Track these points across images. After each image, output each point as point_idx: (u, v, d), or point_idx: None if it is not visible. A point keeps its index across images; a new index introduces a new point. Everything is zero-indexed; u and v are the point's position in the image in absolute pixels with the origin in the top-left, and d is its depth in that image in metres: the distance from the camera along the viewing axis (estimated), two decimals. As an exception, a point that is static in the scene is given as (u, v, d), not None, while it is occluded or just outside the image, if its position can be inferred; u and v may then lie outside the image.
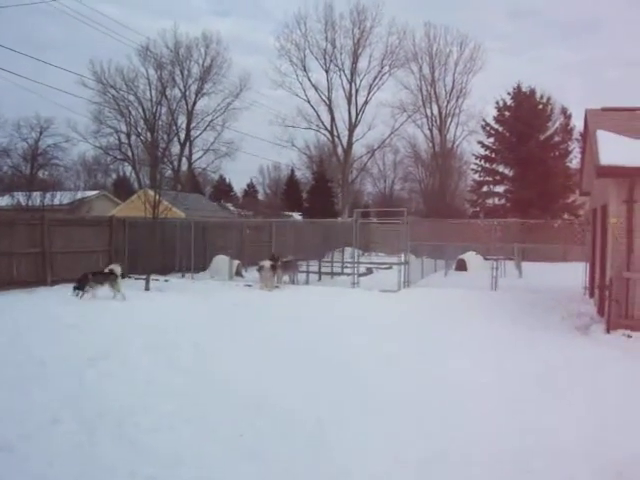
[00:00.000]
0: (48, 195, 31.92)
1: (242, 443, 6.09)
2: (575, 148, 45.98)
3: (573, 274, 19.36)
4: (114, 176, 69.41)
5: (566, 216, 43.06)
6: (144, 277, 18.83)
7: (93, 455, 5.74)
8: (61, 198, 33.31)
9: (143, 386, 7.94)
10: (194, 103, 59.76)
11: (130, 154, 59.76)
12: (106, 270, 16.67)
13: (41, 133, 43.97)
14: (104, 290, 16.07)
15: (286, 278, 21.06)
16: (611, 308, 11.88)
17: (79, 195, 38.14)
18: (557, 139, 47.25)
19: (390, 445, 6.06)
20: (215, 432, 6.36)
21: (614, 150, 11.73)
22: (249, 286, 19.92)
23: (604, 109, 14.85)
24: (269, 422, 6.63)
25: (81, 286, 16.01)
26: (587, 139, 15.07)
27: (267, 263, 19.45)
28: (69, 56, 78.12)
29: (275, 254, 20.85)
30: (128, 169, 65.52)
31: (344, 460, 5.71)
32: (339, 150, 59.09)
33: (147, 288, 18.29)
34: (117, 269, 16.59)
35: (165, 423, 6.57)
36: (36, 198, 31.54)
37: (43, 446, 5.90)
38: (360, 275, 21.37)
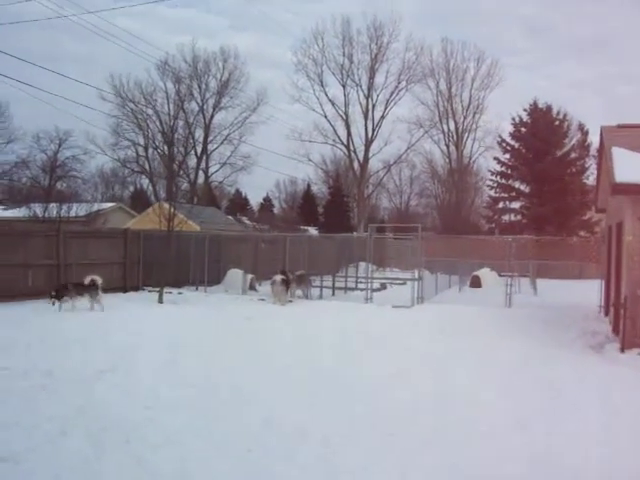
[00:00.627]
0: (64, 207, 32.10)
1: (250, 459, 6.04)
2: (592, 165, 45.64)
3: (588, 292, 19.19)
4: (131, 189, 69.82)
5: (582, 233, 42.79)
6: (158, 290, 18.86)
7: (98, 471, 5.70)
8: (77, 210, 33.48)
9: (151, 400, 7.91)
10: (211, 117, 60.02)
11: (147, 167, 60.05)
12: (86, 281, 16.63)
13: (60, 145, 44.21)
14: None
15: (299, 292, 21.04)
16: (626, 327, 11.75)
17: (95, 207, 38.33)
18: (574, 155, 47.05)
19: (398, 464, 5.99)
20: (223, 448, 6.31)
21: (629, 167, 11.64)
22: (262, 300, 19.90)
23: (620, 126, 14.75)
24: (277, 438, 6.58)
25: (58, 295, 16.02)
26: (602, 156, 14.97)
27: (279, 277, 19.44)
28: (89, 70, 78.86)
29: (285, 269, 20.83)
30: (145, 182, 65.90)
31: (351, 478, 5.66)
32: (355, 165, 59.02)
33: (160, 301, 18.32)
34: (98, 280, 16.59)
35: (173, 438, 6.54)
36: (52, 210, 31.73)
37: (49, 459, 5.88)
38: (374, 290, 21.33)
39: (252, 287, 23.06)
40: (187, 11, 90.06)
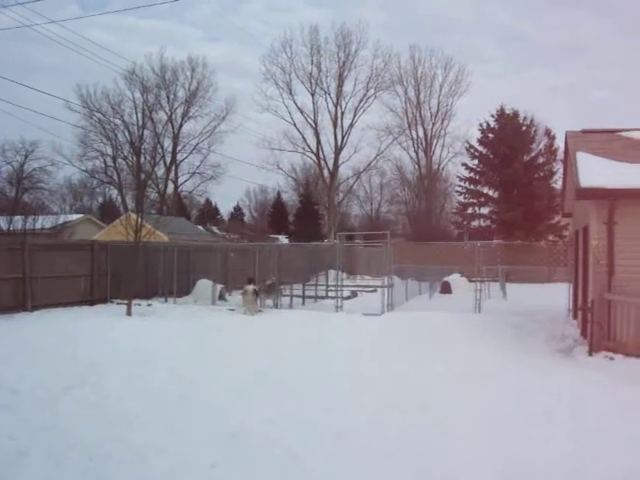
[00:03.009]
0: (30, 219, 31.69)
1: (215, 475, 5.94)
2: (559, 169, 46.05)
3: (557, 295, 19.32)
4: (100, 199, 69.22)
5: (551, 237, 43.20)
6: (126, 302, 18.63)
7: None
8: (43, 222, 33.08)
9: (117, 415, 7.78)
10: (180, 126, 59.84)
11: (116, 177, 59.58)
12: None
13: (26, 157, 43.63)
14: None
15: (269, 302, 20.93)
16: (593, 330, 11.83)
17: (61, 219, 37.87)
18: (541, 160, 47.51)
19: (365, 475, 5.93)
20: (189, 463, 6.21)
21: (594, 172, 11.75)
22: (232, 310, 19.72)
23: (584, 131, 14.89)
24: (244, 452, 6.49)
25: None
26: (567, 161, 15.12)
27: (250, 287, 19.32)
28: (56, 81, 78.28)
29: (253, 277, 20.71)
30: (114, 192, 65.39)
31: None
32: (325, 173, 59.17)
33: (129, 313, 18.07)
34: None
35: (138, 455, 6.41)
36: (18, 222, 31.30)
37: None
38: (344, 298, 21.24)
39: (222, 297, 22.89)
40: (160, 23, 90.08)
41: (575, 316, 16.87)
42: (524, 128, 47.35)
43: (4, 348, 12.10)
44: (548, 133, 49.73)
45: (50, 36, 54.87)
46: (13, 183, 43.06)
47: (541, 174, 46.85)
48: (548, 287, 26.27)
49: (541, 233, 43.38)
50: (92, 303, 20.91)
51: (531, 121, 47.83)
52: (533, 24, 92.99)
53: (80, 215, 47.35)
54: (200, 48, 79.60)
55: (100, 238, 30.16)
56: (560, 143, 46.41)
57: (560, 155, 45.85)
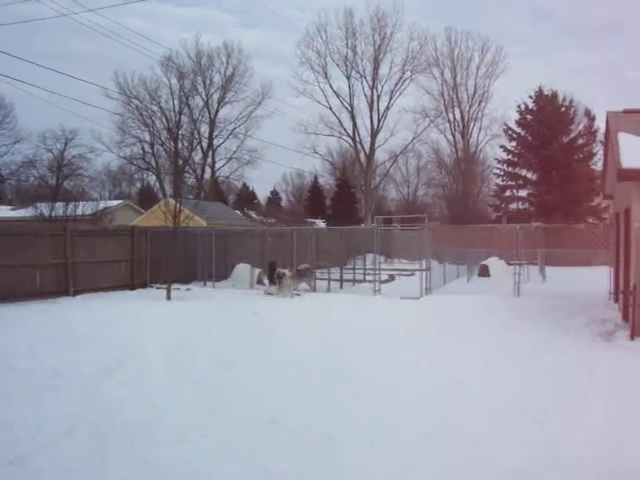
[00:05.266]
0: (71, 206, 32.18)
1: (256, 458, 6.00)
2: (599, 150, 45.38)
3: (598, 279, 19.09)
4: (138, 185, 69.95)
5: (591, 220, 42.58)
6: (165, 286, 18.85)
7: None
8: (84, 208, 33.58)
9: (157, 397, 7.90)
10: (216, 112, 60.06)
11: (154, 163, 60.11)
12: None
13: (66, 144, 44.32)
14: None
15: (305, 286, 21.02)
16: (635, 314, 11.66)
17: (101, 205, 38.40)
18: (581, 141, 46.76)
19: (402, 460, 5.94)
20: (229, 446, 6.28)
21: (636, 152, 11.52)
22: (270, 295, 19.87)
23: (626, 111, 14.58)
24: (282, 436, 6.54)
25: None
26: (608, 142, 14.84)
27: (286, 271, 19.48)
28: (94, 69, 79.08)
29: (275, 262, 20.85)
30: (152, 178, 66.04)
31: (355, 476, 5.63)
32: (362, 156, 58.87)
33: (168, 297, 18.32)
34: None
35: (179, 437, 6.50)
36: (59, 209, 31.82)
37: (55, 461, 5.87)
38: (382, 282, 21.26)
39: (260, 281, 23.05)
40: (196, 10, 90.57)
41: (616, 300, 16.63)
42: (563, 109, 46.60)
43: (47, 332, 12.34)
44: (588, 114, 48.92)
45: (88, 25, 55.46)
46: (54, 170, 43.77)
47: (581, 155, 46.14)
48: (588, 270, 25.96)
49: (581, 215, 42.75)
50: (132, 288, 21.24)
51: (570, 102, 47.08)
52: (568, 3, 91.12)
53: (119, 201, 47.95)
54: (236, 34, 79.93)
55: (139, 223, 30.48)
56: (600, 124, 45.75)
57: (600, 136, 45.22)
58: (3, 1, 46.14)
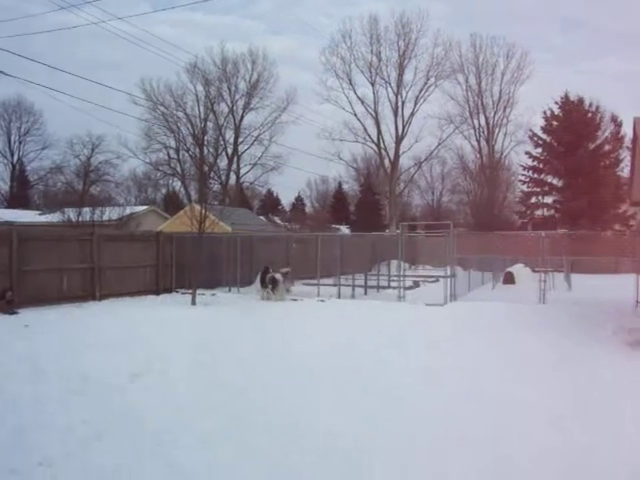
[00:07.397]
0: (97, 211, 32.52)
1: (281, 464, 6.03)
2: (626, 157, 45.07)
3: (624, 287, 18.91)
4: (164, 191, 70.48)
5: (617, 227, 42.19)
6: (191, 292, 18.98)
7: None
8: (110, 214, 33.92)
9: (183, 402, 7.96)
10: (241, 118, 60.45)
11: (179, 169, 60.58)
12: None
13: (93, 150, 44.95)
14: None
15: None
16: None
17: (127, 211, 38.78)
18: (607, 148, 46.44)
19: (431, 467, 5.95)
20: (254, 451, 6.31)
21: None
22: (294, 300, 19.94)
23: (653, 118, 14.51)
24: (308, 442, 6.56)
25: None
26: (636, 147, 14.75)
27: (278, 276, 20.46)
28: (120, 76, 79.82)
29: (268, 267, 21.09)
30: (177, 184, 66.52)
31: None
32: (386, 162, 58.90)
33: (193, 302, 18.43)
34: None
35: (203, 442, 6.55)
36: (86, 214, 32.16)
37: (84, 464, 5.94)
38: (406, 288, 21.23)
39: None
40: (223, 17, 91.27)
41: (644, 308, 16.48)
42: (589, 115, 46.31)
43: (76, 336, 12.49)
44: (614, 120, 48.60)
45: (116, 32, 56.11)
46: (81, 176, 44.33)
47: (607, 162, 45.82)
48: (614, 278, 25.73)
49: (607, 222, 42.40)
50: (157, 293, 21.40)
51: (597, 108, 46.79)
52: (595, 11, 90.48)
53: (145, 206, 48.36)
54: (262, 41, 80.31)
55: (165, 229, 30.73)
56: (627, 130, 45.43)
57: (627, 142, 44.92)
58: (33, 10, 46.75)
